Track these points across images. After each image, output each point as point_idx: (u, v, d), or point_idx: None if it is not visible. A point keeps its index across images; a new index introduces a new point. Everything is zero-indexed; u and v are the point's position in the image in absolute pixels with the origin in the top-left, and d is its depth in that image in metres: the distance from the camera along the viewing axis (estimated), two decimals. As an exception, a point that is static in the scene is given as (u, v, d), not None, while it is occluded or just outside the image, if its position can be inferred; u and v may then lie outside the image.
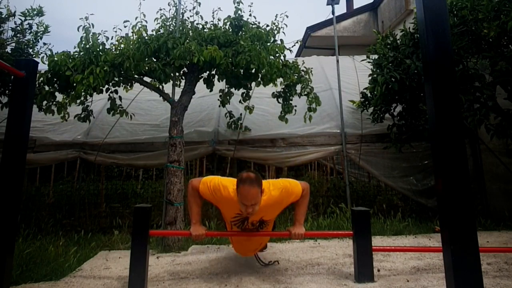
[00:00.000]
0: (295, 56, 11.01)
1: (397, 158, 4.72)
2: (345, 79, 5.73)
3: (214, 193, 2.21)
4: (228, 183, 2.22)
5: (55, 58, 3.36)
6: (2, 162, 2.07)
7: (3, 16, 4.13)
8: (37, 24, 4.24)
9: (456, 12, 3.72)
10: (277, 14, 4.03)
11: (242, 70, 3.84)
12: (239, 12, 3.85)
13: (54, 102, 3.76)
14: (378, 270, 2.53)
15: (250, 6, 4.04)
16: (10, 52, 4.04)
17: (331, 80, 5.90)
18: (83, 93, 3.45)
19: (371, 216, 3.67)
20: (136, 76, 3.79)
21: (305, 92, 4.24)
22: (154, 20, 3.95)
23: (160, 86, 3.90)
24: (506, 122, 3.61)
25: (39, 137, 4.92)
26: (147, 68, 3.54)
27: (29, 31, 4.23)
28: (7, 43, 4.12)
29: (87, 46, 3.45)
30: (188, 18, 4.07)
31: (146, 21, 3.75)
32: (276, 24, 4.00)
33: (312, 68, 4.37)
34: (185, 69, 3.91)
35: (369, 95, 4.67)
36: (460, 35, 3.64)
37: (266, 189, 2.19)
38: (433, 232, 3.79)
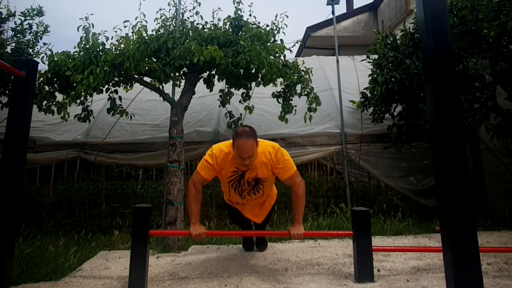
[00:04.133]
0: (295, 56, 11.01)
1: (397, 158, 4.72)
2: (345, 79, 5.72)
3: (214, 163, 2.30)
4: (219, 146, 2.37)
5: (55, 58, 3.36)
6: (2, 162, 2.07)
7: (3, 16, 4.13)
8: (37, 24, 4.25)
9: (456, 12, 3.72)
10: (277, 14, 4.03)
11: (242, 70, 3.84)
12: (239, 12, 3.84)
13: (54, 102, 3.76)
14: (378, 270, 2.53)
15: (250, 6, 4.03)
16: (10, 52, 4.04)
17: (331, 80, 5.90)
18: (83, 93, 3.45)
19: (371, 216, 3.68)
20: (136, 76, 3.79)
21: (305, 92, 4.24)
22: (154, 20, 3.94)
23: (160, 86, 3.90)
24: (506, 122, 3.61)
25: (39, 137, 4.92)
26: (147, 68, 3.53)
27: (29, 31, 4.23)
28: (7, 43, 4.12)
29: (87, 46, 3.44)
30: (188, 18, 4.07)
31: (146, 21, 3.74)
32: (276, 24, 4.00)
33: (312, 68, 4.37)
34: (185, 69, 3.91)
35: (369, 95, 4.67)
36: (460, 35, 3.64)
37: (261, 143, 2.29)
38: (433, 232, 3.79)
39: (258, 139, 2.26)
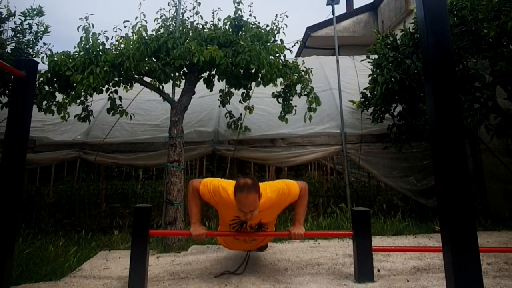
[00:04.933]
0: (295, 56, 11.01)
1: (397, 158, 4.72)
2: (345, 79, 5.72)
3: (213, 195, 2.22)
4: (228, 186, 2.22)
5: (55, 58, 3.36)
6: (2, 162, 2.07)
7: (3, 16, 4.13)
8: (37, 24, 4.25)
9: (456, 12, 3.72)
10: (277, 14, 4.04)
11: (242, 70, 3.84)
12: (239, 12, 3.84)
13: (54, 102, 3.76)
14: (378, 270, 2.53)
15: (250, 6, 4.04)
16: (10, 52, 4.04)
17: (331, 80, 5.90)
18: (83, 93, 3.45)
19: (371, 216, 3.68)
20: (136, 76, 3.79)
21: (305, 92, 4.24)
22: (154, 20, 3.95)
23: (160, 86, 3.90)
24: (506, 122, 3.61)
25: (39, 137, 4.92)
26: (147, 68, 3.54)
27: (29, 31, 4.23)
28: (7, 43, 4.12)
29: (87, 46, 3.45)
30: (188, 18, 4.07)
31: (146, 21, 3.75)
32: (276, 24, 4.00)
33: (312, 68, 4.37)
34: (185, 69, 3.91)
35: (369, 95, 4.67)
36: (460, 35, 3.64)
37: (263, 192, 2.17)
38: (433, 232, 3.79)
39: (260, 187, 2.13)
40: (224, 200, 2.20)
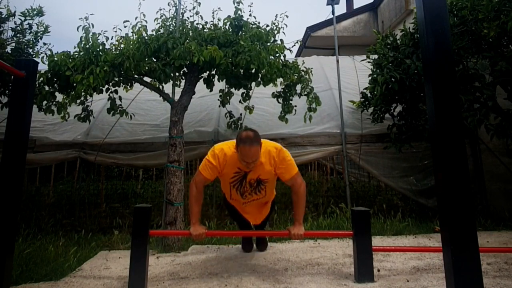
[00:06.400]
0: (295, 56, 11.00)
1: (397, 158, 4.72)
2: (345, 79, 5.72)
3: (216, 164, 2.32)
4: (221, 146, 2.38)
5: (55, 58, 3.36)
6: (2, 162, 2.07)
7: (3, 16, 4.14)
8: (37, 24, 4.25)
9: (456, 12, 3.72)
10: (277, 14, 4.03)
11: (242, 70, 3.83)
12: (239, 12, 3.84)
13: (54, 102, 3.76)
14: (378, 270, 2.53)
15: (250, 6, 4.04)
16: (10, 52, 4.05)
17: (331, 80, 5.90)
18: (83, 93, 3.45)
19: (371, 216, 3.67)
20: (136, 76, 3.79)
21: (305, 92, 4.24)
22: (154, 20, 3.94)
23: (160, 86, 3.90)
24: (506, 122, 3.61)
25: (39, 137, 4.92)
26: (147, 68, 3.53)
27: (29, 31, 4.23)
28: (7, 43, 4.12)
29: (87, 46, 3.45)
30: (188, 18, 4.07)
31: (146, 21, 3.74)
32: (276, 24, 4.00)
33: (312, 68, 4.37)
34: (185, 69, 3.91)
35: (369, 95, 4.67)
36: (460, 35, 3.64)
37: (264, 145, 2.32)
38: (433, 232, 3.79)
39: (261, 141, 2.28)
40: (225, 159, 2.33)
